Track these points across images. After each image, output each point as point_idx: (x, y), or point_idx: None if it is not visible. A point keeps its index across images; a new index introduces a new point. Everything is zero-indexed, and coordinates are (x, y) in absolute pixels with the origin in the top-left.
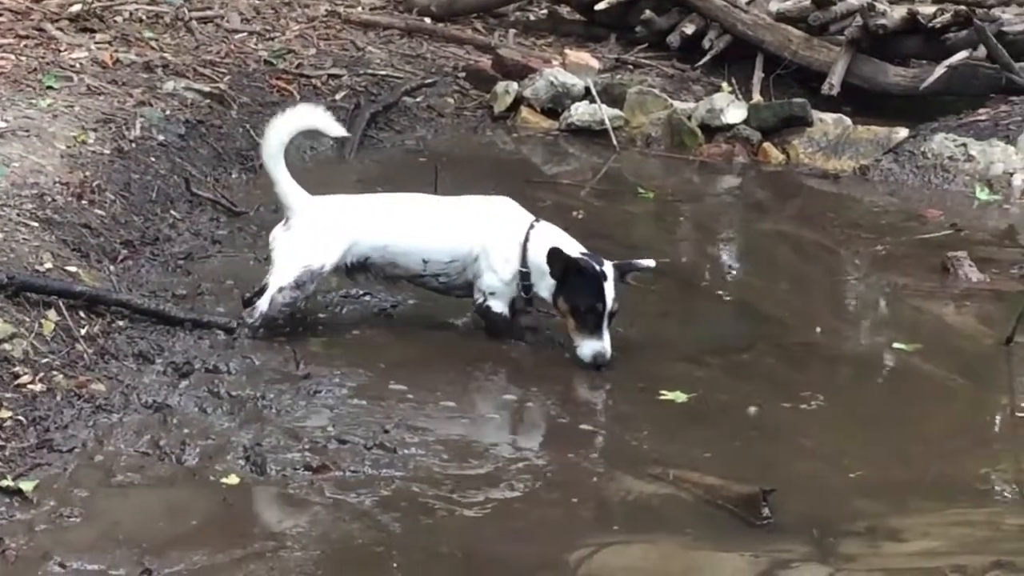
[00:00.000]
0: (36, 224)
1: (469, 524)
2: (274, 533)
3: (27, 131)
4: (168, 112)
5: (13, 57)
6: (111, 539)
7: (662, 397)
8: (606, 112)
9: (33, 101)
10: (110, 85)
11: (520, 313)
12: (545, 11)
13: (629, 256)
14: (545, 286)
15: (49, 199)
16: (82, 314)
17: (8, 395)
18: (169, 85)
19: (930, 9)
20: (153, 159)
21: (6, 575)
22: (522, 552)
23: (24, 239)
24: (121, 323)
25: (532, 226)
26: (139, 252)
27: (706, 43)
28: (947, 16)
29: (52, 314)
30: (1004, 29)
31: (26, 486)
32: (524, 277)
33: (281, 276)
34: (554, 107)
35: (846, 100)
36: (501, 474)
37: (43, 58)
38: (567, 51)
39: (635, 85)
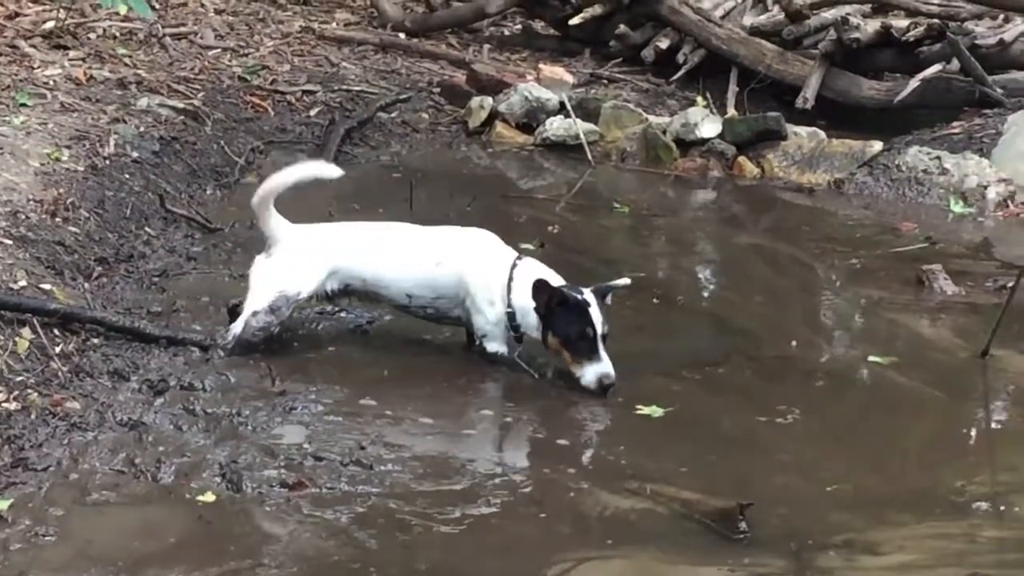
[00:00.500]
0: (10, 242)
1: (446, 540)
2: (250, 551)
3: (0, 148)
4: (142, 129)
5: None
6: (86, 558)
7: (638, 412)
8: (581, 127)
9: (6, 118)
10: (84, 102)
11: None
12: (519, 26)
13: (605, 270)
14: (532, 325)
15: (23, 216)
16: (56, 332)
17: None
18: (143, 102)
19: (904, 22)
20: (127, 176)
21: None
22: (499, 568)
23: None
24: (96, 341)
25: (515, 265)
26: (114, 269)
27: (680, 57)
28: (921, 29)
29: (26, 332)
30: (977, 42)
31: (1, 505)
32: (511, 317)
33: (256, 300)
34: (529, 122)
35: (820, 114)
36: (478, 490)
37: (16, 75)
38: (541, 66)
39: (610, 100)
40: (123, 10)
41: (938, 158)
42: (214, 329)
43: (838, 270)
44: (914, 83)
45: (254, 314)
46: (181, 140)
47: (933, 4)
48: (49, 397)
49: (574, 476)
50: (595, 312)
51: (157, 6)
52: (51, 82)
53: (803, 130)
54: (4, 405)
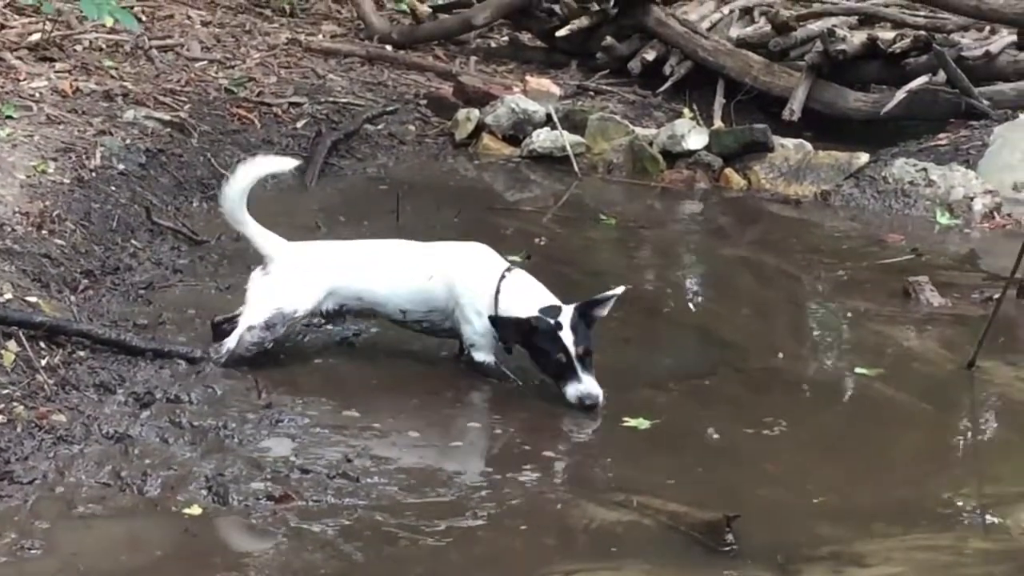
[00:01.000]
0: None
1: (432, 553)
2: (237, 563)
3: None
4: (128, 141)
5: None
6: (72, 571)
7: (625, 423)
8: (567, 138)
9: None
10: (70, 114)
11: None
12: (506, 38)
13: (591, 282)
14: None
15: (8, 229)
16: (43, 344)
17: None
18: (129, 114)
19: (890, 34)
20: (113, 188)
21: None
22: None
23: None
24: (82, 353)
25: (503, 276)
26: (100, 282)
27: (667, 69)
28: (907, 41)
29: (12, 345)
30: (963, 54)
31: None
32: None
33: (252, 315)
34: (515, 134)
35: (807, 125)
36: (464, 502)
37: (2, 87)
38: (528, 78)
39: (596, 111)
40: (109, 22)
41: (924, 170)
42: (200, 342)
43: (825, 282)
44: (900, 95)
45: (249, 329)
46: (167, 152)
47: (919, 16)
48: (35, 410)
49: (561, 488)
50: (566, 335)
51: (143, 18)
52: (37, 94)
53: (790, 142)
54: None
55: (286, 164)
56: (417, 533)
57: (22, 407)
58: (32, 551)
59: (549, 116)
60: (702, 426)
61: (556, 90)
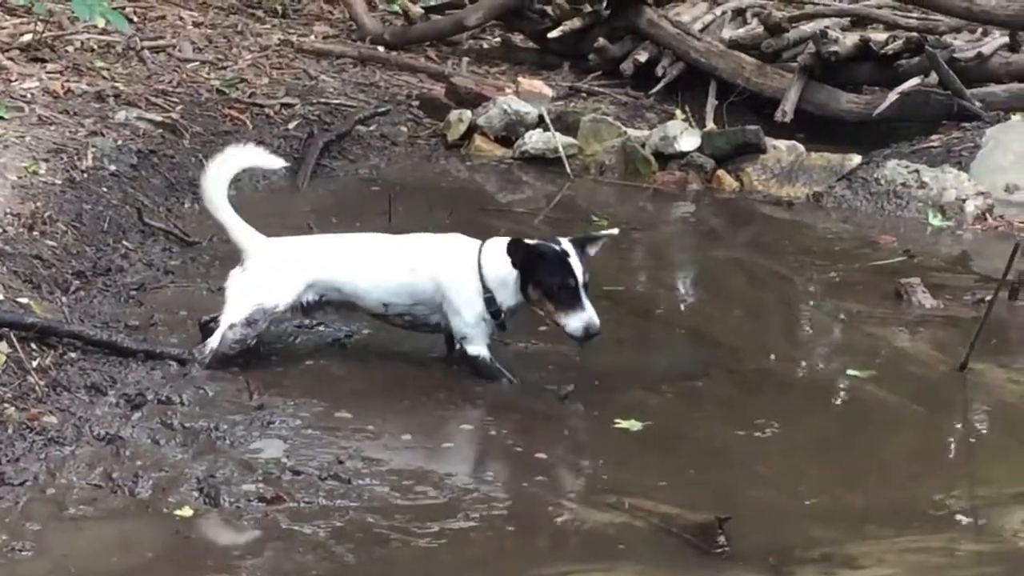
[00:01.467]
0: None
1: (424, 555)
2: (228, 565)
3: None
4: (120, 142)
5: None
6: (63, 572)
7: (617, 425)
8: (560, 140)
9: None
10: (61, 115)
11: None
12: (498, 39)
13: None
14: (511, 294)
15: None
16: (34, 346)
17: None
18: (121, 115)
19: (882, 36)
20: (105, 189)
21: None
22: None
23: None
24: (73, 355)
25: (480, 250)
26: (91, 283)
27: (659, 71)
28: (899, 43)
29: (3, 346)
30: (955, 56)
31: None
32: (490, 304)
33: (233, 313)
34: (508, 135)
35: (799, 127)
36: (456, 504)
37: None
38: (520, 79)
39: (589, 113)
40: (101, 23)
41: (917, 171)
42: (191, 343)
43: (817, 283)
44: (893, 96)
45: (231, 327)
46: (159, 153)
47: (912, 17)
48: (26, 411)
49: (552, 490)
50: (575, 262)
51: (135, 19)
52: (28, 95)
53: (782, 143)
54: None
55: (275, 163)
56: (409, 535)
57: (13, 408)
58: (23, 553)
59: (541, 117)
60: (694, 428)
61: (548, 91)
